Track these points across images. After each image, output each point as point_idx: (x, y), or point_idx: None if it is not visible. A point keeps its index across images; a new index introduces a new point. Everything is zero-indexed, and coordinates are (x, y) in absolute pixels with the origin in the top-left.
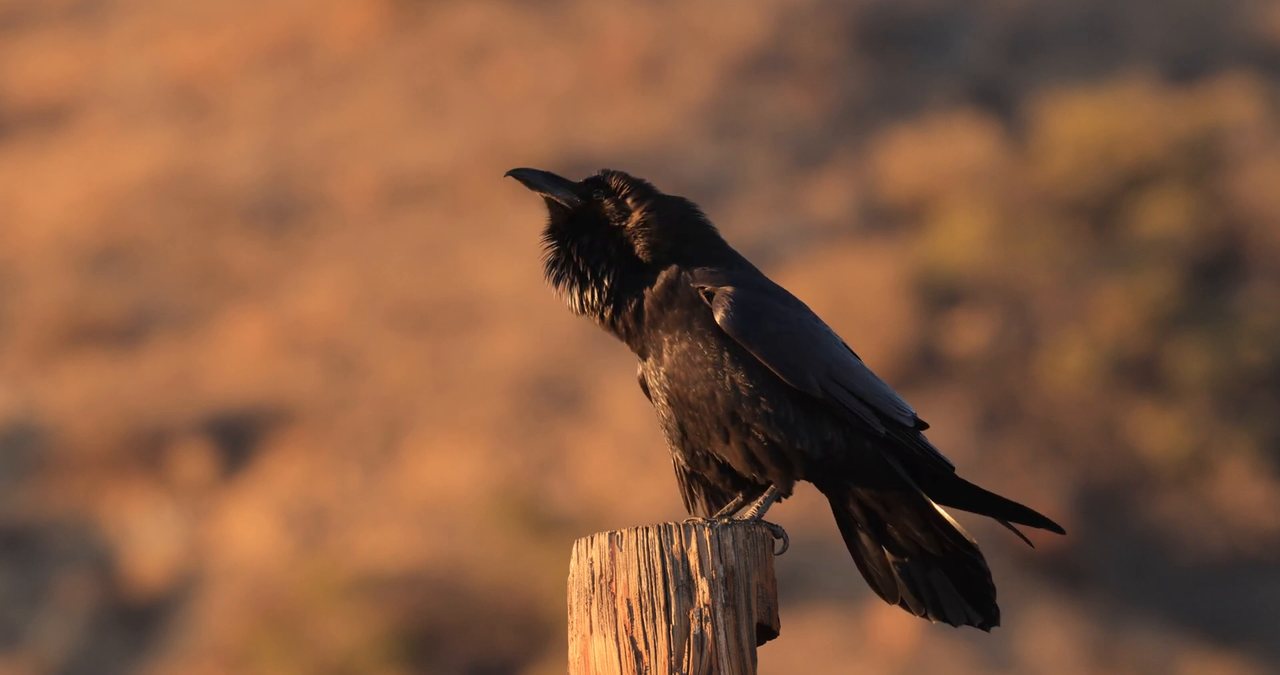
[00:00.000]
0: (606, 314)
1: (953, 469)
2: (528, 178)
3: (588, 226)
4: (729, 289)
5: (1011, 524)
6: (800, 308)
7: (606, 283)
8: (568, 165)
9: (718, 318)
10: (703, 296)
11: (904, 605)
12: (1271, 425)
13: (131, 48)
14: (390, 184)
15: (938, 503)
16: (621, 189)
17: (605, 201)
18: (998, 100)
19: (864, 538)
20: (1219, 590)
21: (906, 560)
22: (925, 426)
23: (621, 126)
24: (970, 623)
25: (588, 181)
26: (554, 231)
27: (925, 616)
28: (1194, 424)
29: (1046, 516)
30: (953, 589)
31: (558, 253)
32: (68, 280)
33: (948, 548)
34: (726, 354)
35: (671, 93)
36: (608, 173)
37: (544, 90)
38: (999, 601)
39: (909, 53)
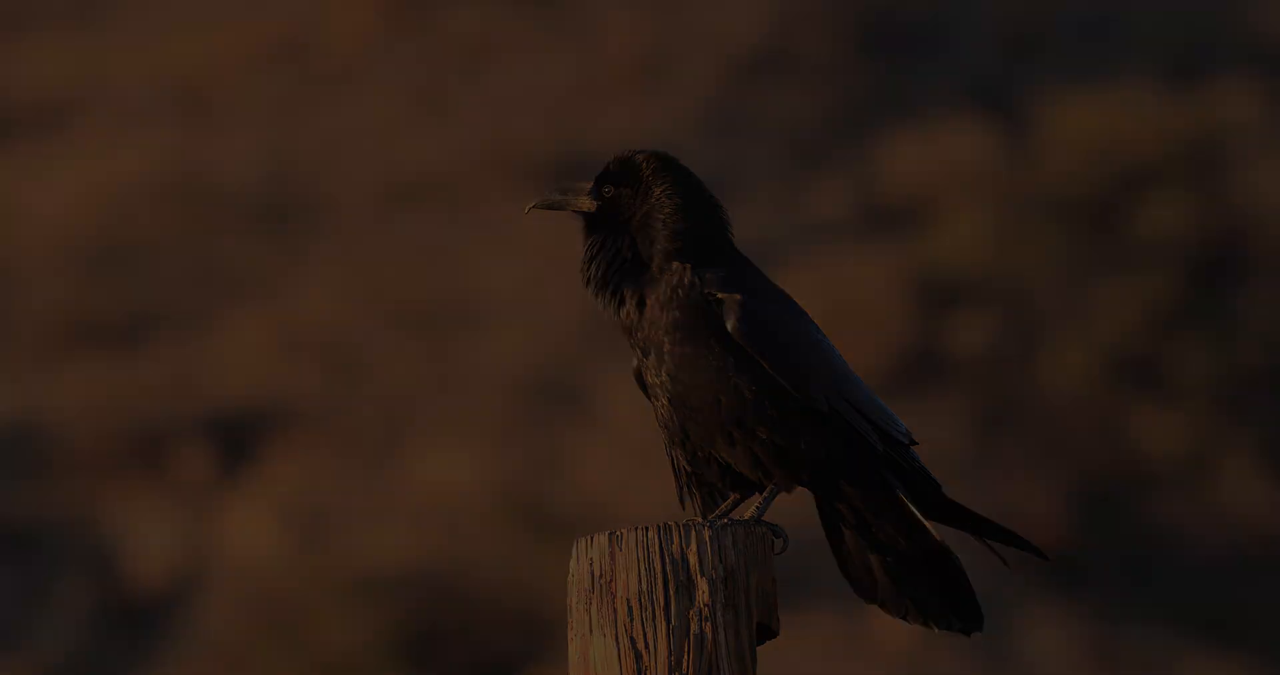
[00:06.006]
0: (612, 306)
1: (939, 487)
2: (541, 205)
3: (609, 221)
4: (739, 297)
5: (990, 543)
6: (804, 318)
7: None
8: (568, 165)
9: (729, 326)
10: (712, 301)
11: (883, 606)
12: (1271, 425)
13: (131, 48)
14: (390, 184)
15: (925, 517)
16: (650, 173)
17: (628, 189)
18: (998, 100)
19: (849, 536)
20: (1219, 590)
21: (890, 561)
22: (916, 443)
23: (621, 126)
24: (951, 628)
25: (618, 163)
26: (586, 231)
27: (905, 618)
28: (1194, 424)
29: (1030, 541)
30: (936, 594)
31: (587, 252)
32: (68, 280)
33: (931, 557)
34: (732, 359)
35: (672, 92)
36: (636, 153)
37: (544, 90)
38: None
39: (909, 53)
